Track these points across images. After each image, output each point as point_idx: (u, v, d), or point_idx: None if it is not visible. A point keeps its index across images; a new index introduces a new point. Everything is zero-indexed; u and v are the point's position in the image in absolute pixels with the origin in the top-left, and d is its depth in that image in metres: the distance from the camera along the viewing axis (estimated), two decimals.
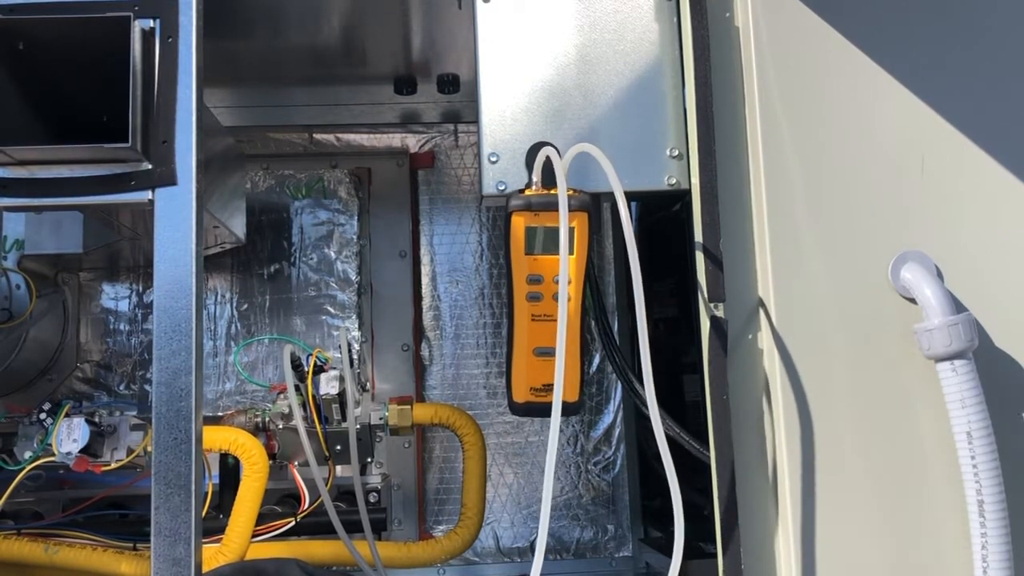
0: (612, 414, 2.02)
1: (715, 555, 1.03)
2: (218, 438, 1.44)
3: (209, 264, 1.91)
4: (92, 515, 1.58)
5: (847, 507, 1.02)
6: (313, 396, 1.51)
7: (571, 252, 1.09)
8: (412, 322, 2.01)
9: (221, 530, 1.40)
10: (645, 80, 1.18)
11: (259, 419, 1.56)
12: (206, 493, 1.48)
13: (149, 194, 1.04)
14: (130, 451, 1.47)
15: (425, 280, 2.04)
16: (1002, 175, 1.09)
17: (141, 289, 1.93)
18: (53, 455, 1.41)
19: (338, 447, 1.54)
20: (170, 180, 1.04)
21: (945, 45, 1.11)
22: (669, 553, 0.92)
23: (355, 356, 1.85)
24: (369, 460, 1.62)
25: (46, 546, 1.47)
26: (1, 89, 1.06)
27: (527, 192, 1.11)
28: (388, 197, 2.04)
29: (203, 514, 1.20)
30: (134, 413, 1.52)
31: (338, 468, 1.56)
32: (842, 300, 1.06)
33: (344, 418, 1.53)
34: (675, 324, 1.86)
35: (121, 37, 1.03)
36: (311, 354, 1.53)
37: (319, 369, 1.54)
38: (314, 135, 2.04)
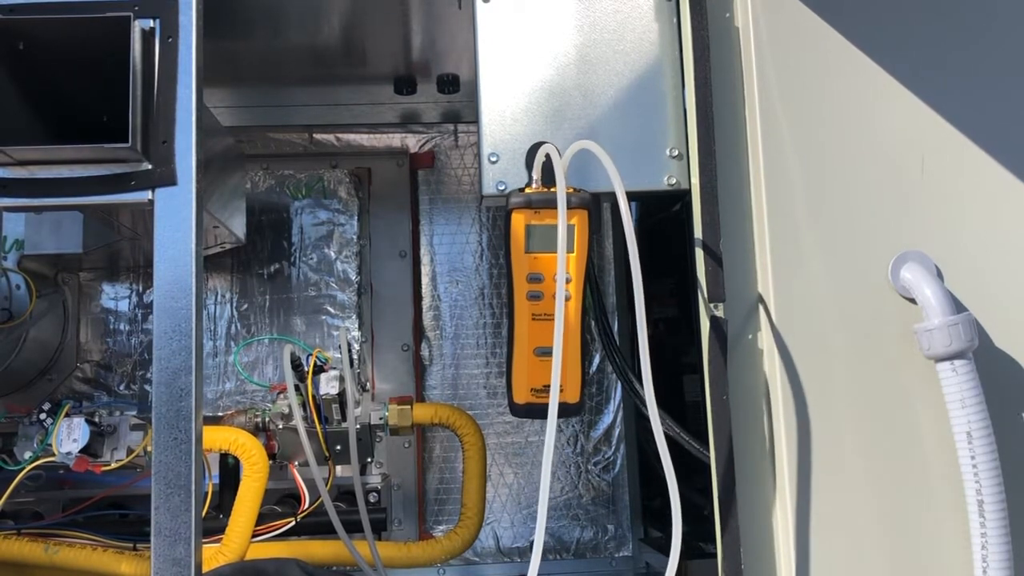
0: (612, 414, 2.02)
1: (715, 555, 1.03)
2: (218, 438, 1.44)
3: (209, 264, 1.91)
4: (92, 515, 1.58)
5: (847, 507, 1.02)
6: (313, 396, 1.51)
7: (571, 250, 1.09)
8: (412, 322, 2.01)
9: (221, 530, 1.40)
10: (645, 80, 1.18)
11: (259, 419, 1.56)
12: (206, 493, 1.48)
13: (149, 194, 1.04)
14: (130, 451, 1.47)
15: (425, 280, 2.04)
16: (1002, 175, 1.09)
17: (141, 289, 1.93)
18: (53, 455, 1.41)
19: (338, 447, 1.54)
20: (170, 180, 1.04)
21: (945, 45, 1.11)
22: (669, 553, 0.92)
23: (355, 356, 1.85)
24: (369, 460, 1.62)
25: (46, 546, 1.47)
26: (1, 89, 1.06)
27: (527, 190, 1.11)
28: (388, 197, 2.04)
29: (203, 514, 1.20)
30: (134, 413, 1.52)
31: (338, 468, 1.56)
32: (842, 300, 1.06)
33: (344, 418, 1.53)
34: (675, 324, 1.86)
35: (121, 37, 1.03)
36: (311, 354, 1.53)
37: (319, 369, 1.54)
38: (314, 135, 2.04)
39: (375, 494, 1.64)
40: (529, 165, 1.15)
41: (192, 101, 1.06)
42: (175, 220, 1.04)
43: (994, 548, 0.95)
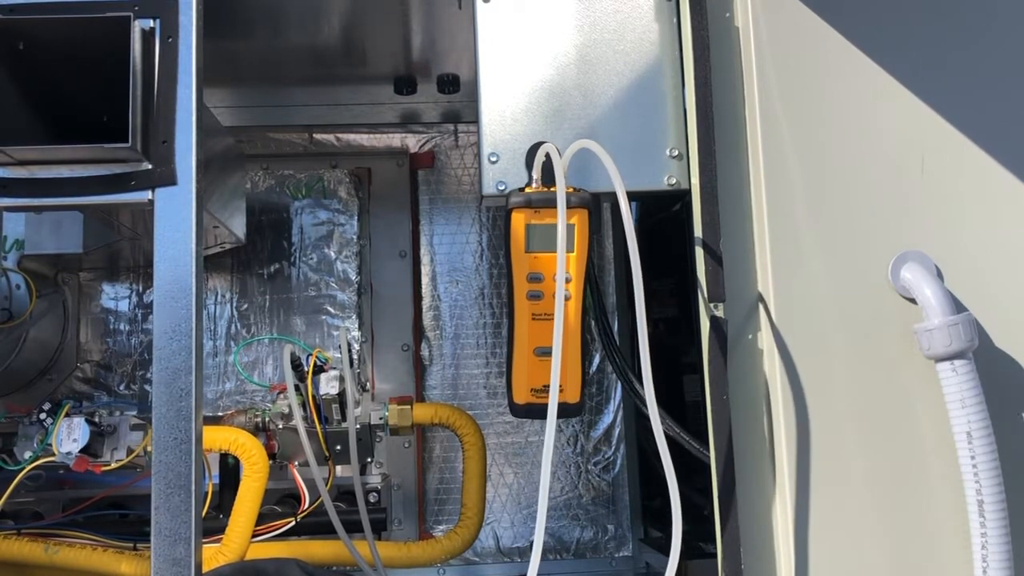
0: (612, 414, 2.02)
1: (715, 555, 1.03)
2: (218, 438, 1.44)
3: (209, 264, 1.91)
4: (92, 515, 1.58)
5: (847, 507, 1.02)
6: (313, 396, 1.51)
7: (571, 250, 1.09)
8: (412, 322, 2.01)
9: (221, 530, 1.40)
10: (645, 80, 1.18)
11: (259, 419, 1.56)
12: (206, 493, 1.48)
13: (149, 194, 1.04)
14: (130, 451, 1.47)
15: (425, 280, 2.04)
16: (1002, 175, 1.09)
17: (141, 289, 1.93)
18: (53, 455, 1.41)
19: (338, 447, 1.54)
20: (170, 180, 1.04)
21: (945, 45, 1.11)
22: (669, 553, 0.92)
23: (355, 356, 1.85)
24: (369, 460, 1.62)
25: (46, 546, 1.47)
26: (1, 89, 1.06)
27: (527, 190, 1.11)
28: (388, 197, 2.04)
29: (203, 514, 1.20)
30: (134, 413, 1.52)
31: (338, 468, 1.56)
32: (842, 300, 1.06)
33: (344, 418, 1.53)
34: (675, 324, 1.86)
35: (121, 37, 1.03)
36: (311, 354, 1.53)
37: (319, 369, 1.54)
38: (314, 135, 2.04)
39: (375, 494, 1.64)
40: (529, 165, 1.15)
41: (192, 101, 1.06)
42: (175, 220, 1.04)
43: (994, 548, 0.95)
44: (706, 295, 1.05)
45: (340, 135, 2.05)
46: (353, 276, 1.94)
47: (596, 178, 1.11)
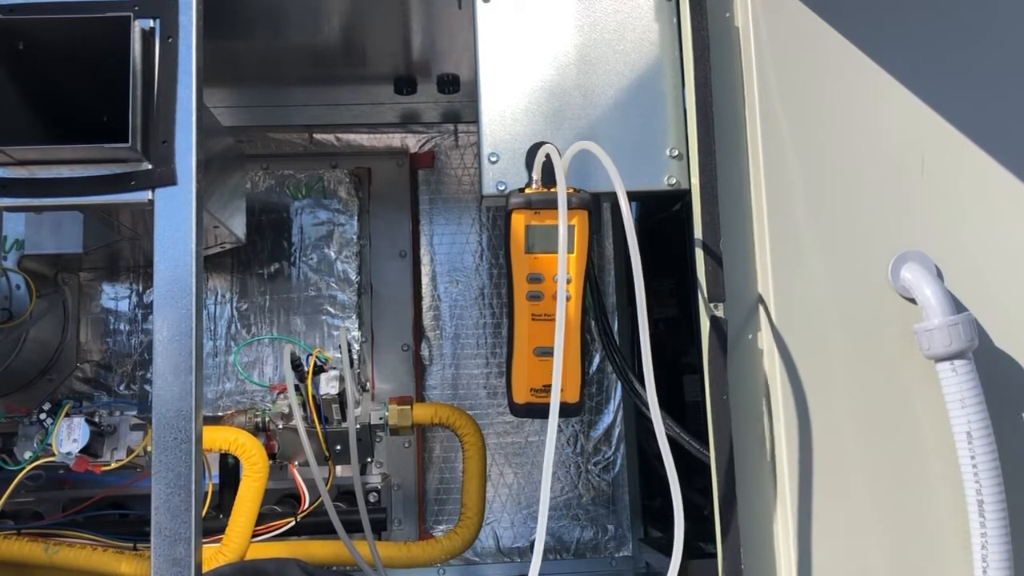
0: (612, 414, 2.02)
1: (715, 555, 1.03)
2: (218, 438, 1.44)
3: (209, 264, 1.91)
4: (92, 515, 1.57)
5: (847, 507, 1.02)
6: (313, 396, 1.51)
7: (572, 250, 1.09)
8: (412, 322, 2.01)
9: (221, 530, 1.40)
10: (645, 80, 1.18)
11: (259, 419, 1.56)
12: (206, 493, 1.48)
13: (149, 194, 1.04)
14: (130, 451, 1.47)
15: (425, 280, 2.04)
16: (1002, 175, 1.09)
17: (141, 289, 1.93)
18: (53, 455, 1.41)
19: (338, 447, 1.54)
20: (170, 180, 1.04)
21: (945, 45, 1.11)
22: (669, 553, 0.92)
23: (355, 356, 1.85)
24: (369, 460, 1.62)
25: (46, 546, 1.47)
26: (1, 89, 1.06)
27: (527, 191, 1.11)
28: (388, 197, 2.04)
29: (203, 514, 1.20)
30: (134, 413, 1.52)
31: (338, 468, 1.56)
32: (842, 300, 1.06)
33: (344, 418, 1.53)
34: (675, 324, 1.86)
35: (121, 37, 1.03)
36: (311, 354, 1.53)
37: (319, 369, 1.54)
38: (314, 135, 2.04)
39: (375, 494, 1.64)
40: (529, 165, 1.15)
41: (192, 101, 1.06)
42: (175, 220, 1.04)
43: (994, 548, 0.95)
44: (706, 295, 1.05)
45: (340, 135, 2.05)
46: (353, 276, 1.94)
47: (596, 178, 1.11)
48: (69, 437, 1.41)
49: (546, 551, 0.88)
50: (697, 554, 1.50)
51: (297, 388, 1.50)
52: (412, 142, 2.08)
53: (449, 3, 1.45)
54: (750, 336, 1.08)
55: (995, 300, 1.06)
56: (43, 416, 1.43)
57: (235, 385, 1.91)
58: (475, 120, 1.18)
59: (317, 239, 1.95)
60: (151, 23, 1.06)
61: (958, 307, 1.03)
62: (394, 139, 2.07)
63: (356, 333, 1.92)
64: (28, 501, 1.61)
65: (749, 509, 1.04)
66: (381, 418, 1.60)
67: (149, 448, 1.47)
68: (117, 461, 1.46)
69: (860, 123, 1.09)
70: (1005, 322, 1.06)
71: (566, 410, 1.10)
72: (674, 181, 1.16)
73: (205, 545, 1.32)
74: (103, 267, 1.92)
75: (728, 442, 1.02)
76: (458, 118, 2.04)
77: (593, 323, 1.48)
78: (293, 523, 1.53)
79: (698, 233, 1.07)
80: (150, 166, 1.05)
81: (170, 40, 1.06)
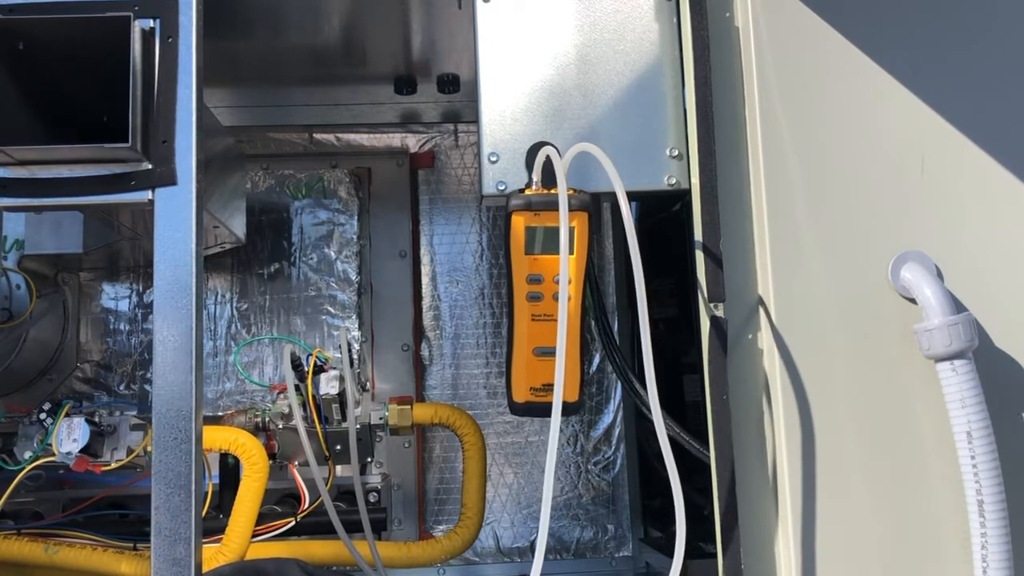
0: (612, 414, 2.02)
1: (715, 555, 1.03)
2: (218, 438, 1.44)
3: (209, 264, 1.91)
4: (92, 515, 1.57)
5: (847, 507, 1.02)
6: (313, 396, 1.51)
7: (571, 252, 1.09)
8: (412, 322, 2.01)
9: (221, 530, 1.40)
10: (645, 80, 1.18)
11: (259, 419, 1.56)
12: (206, 493, 1.48)
13: (149, 194, 1.04)
14: (130, 451, 1.47)
15: (425, 280, 2.04)
16: (1002, 175, 1.09)
17: (141, 289, 1.93)
18: (53, 455, 1.41)
19: (338, 447, 1.54)
20: (170, 180, 1.04)
21: (945, 45, 1.11)
22: (669, 553, 0.92)
23: (355, 356, 1.85)
24: (369, 460, 1.62)
25: (46, 546, 1.47)
26: (1, 89, 1.06)
27: (527, 192, 1.11)
28: (388, 197, 2.04)
29: (203, 514, 1.20)
30: (134, 413, 1.52)
31: (338, 468, 1.56)
32: (842, 300, 1.06)
33: (344, 418, 1.53)
34: (675, 324, 1.86)
35: (121, 37, 1.03)
36: (311, 354, 1.53)
37: (319, 369, 1.54)
38: (314, 135, 2.04)
39: (375, 494, 1.64)
40: (529, 165, 1.15)
41: (192, 101, 1.06)
42: (175, 220, 1.04)
43: (994, 548, 0.95)
44: (706, 295, 1.05)
45: (340, 135, 2.05)
46: (353, 276, 1.94)
47: (596, 178, 1.11)
48: (69, 437, 1.41)
49: (546, 551, 0.88)
50: (697, 554, 1.50)
51: (297, 388, 1.50)
52: (412, 142, 2.08)
53: (449, 3, 1.45)
54: (750, 336, 1.08)
55: (995, 300, 1.06)
56: (43, 416, 1.44)
57: (235, 385, 1.91)
58: (475, 120, 1.18)
59: (317, 239, 1.95)
60: (151, 23, 1.06)
61: (958, 307, 1.03)
62: (394, 139, 2.07)
63: (356, 333, 1.92)
64: (28, 501, 1.61)
65: (749, 509, 1.04)
66: (381, 418, 1.60)
67: (149, 448, 1.47)
68: (117, 461, 1.46)
69: (860, 123, 1.09)
70: (1005, 322, 1.06)
71: (566, 409, 1.09)
72: (674, 181, 1.16)
73: (205, 545, 1.32)
74: (103, 267, 1.92)
75: (728, 442, 1.02)
76: (458, 118, 2.04)
77: (593, 323, 1.48)
78: (293, 523, 1.53)
79: (698, 233, 1.07)
80: (150, 166, 1.05)
81: (170, 40, 1.06)
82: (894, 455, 1.03)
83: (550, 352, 1.09)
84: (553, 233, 1.09)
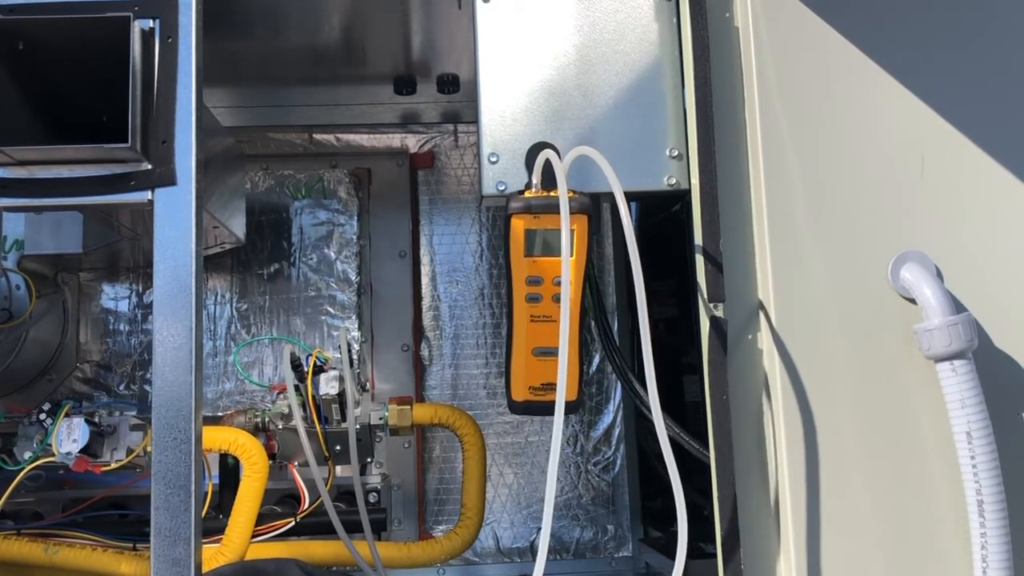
0: (612, 414, 2.02)
1: (715, 555, 1.03)
2: (218, 438, 1.44)
3: (209, 264, 1.91)
4: (92, 515, 1.57)
5: (847, 507, 1.02)
6: (313, 396, 1.51)
7: (571, 254, 1.09)
8: (412, 322, 2.01)
9: (221, 530, 1.40)
10: (645, 80, 1.18)
11: (259, 419, 1.56)
12: (206, 493, 1.48)
13: (149, 194, 1.04)
14: (130, 451, 1.47)
15: (425, 280, 2.04)
16: (1002, 175, 1.09)
17: (141, 289, 1.93)
18: (53, 455, 1.41)
19: (338, 447, 1.54)
20: (170, 180, 1.04)
21: (945, 45, 1.11)
22: (669, 553, 0.92)
23: (355, 356, 1.85)
24: (369, 460, 1.61)
25: (46, 546, 1.47)
26: (1, 89, 1.06)
27: (527, 194, 1.11)
28: (388, 197, 2.04)
29: (203, 514, 1.20)
30: (134, 413, 1.52)
31: (338, 468, 1.56)
32: (842, 300, 1.06)
33: (344, 418, 1.53)
34: (675, 324, 1.86)
35: (121, 37, 1.03)
36: (311, 354, 1.53)
37: (319, 369, 1.54)
38: (314, 135, 2.04)
39: (375, 494, 1.64)
40: (529, 166, 1.15)
41: (192, 101, 1.06)
42: (175, 220, 1.04)
43: (994, 548, 0.95)
44: (706, 295, 1.05)
45: (340, 135, 2.05)
46: (353, 276, 1.94)
47: (596, 179, 1.11)
48: (69, 437, 1.41)
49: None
50: (697, 554, 1.50)
51: (297, 388, 1.50)
52: (412, 142, 2.08)
53: (449, 3, 1.45)
54: (750, 336, 1.08)
55: (995, 300, 1.06)
56: (43, 416, 1.43)
57: (235, 385, 1.91)
58: (475, 120, 1.18)
59: (317, 239, 1.95)
60: (151, 23, 1.06)
61: (958, 307, 1.03)
62: (394, 139, 2.07)
63: (356, 333, 1.92)
64: (28, 501, 1.61)
65: (749, 509, 1.04)
66: (381, 418, 1.60)
67: (149, 448, 1.47)
68: (117, 461, 1.46)
69: (860, 123, 1.09)
70: (1005, 322, 1.06)
71: (566, 407, 1.10)
72: (674, 181, 1.16)
73: (205, 545, 1.32)
74: (103, 267, 1.92)
75: (728, 442, 1.02)
76: (458, 118, 2.04)
77: (593, 323, 1.48)
78: (293, 523, 1.53)
79: (698, 233, 1.07)
80: (150, 166, 1.05)
81: (170, 40, 1.06)
82: (894, 455, 1.03)
83: (549, 352, 1.10)
84: (552, 236, 1.09)
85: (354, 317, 1.93)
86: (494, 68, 1.18)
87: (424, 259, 2.05)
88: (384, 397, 1.83)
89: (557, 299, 1.10)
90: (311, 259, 1.95)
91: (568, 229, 1.00)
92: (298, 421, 1.47)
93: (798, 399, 1.04)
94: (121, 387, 1.90)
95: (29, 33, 1.06)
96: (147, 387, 1.89)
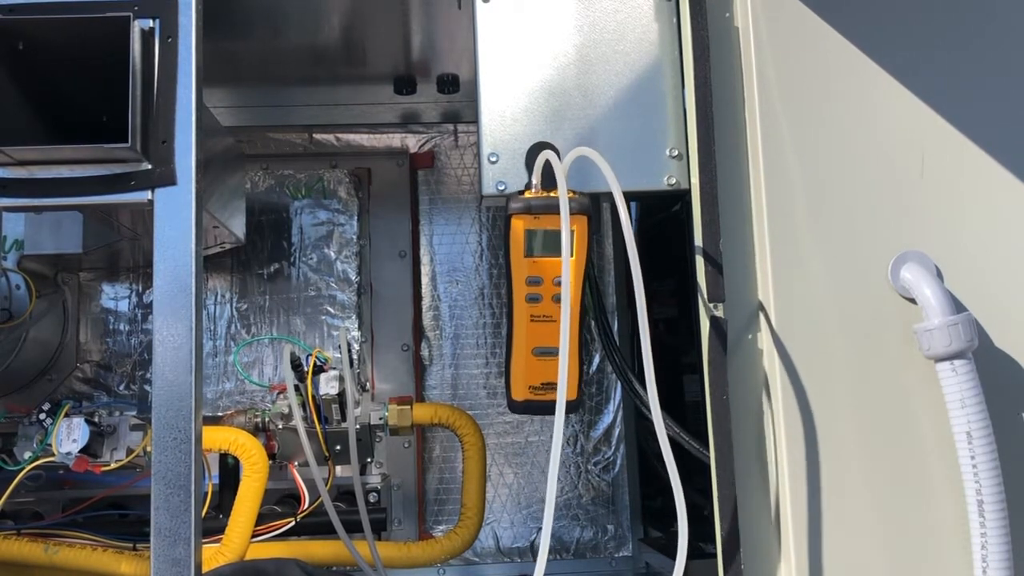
0: (612, 414, 2.02)
1: (715, 555, 1.03)
2: (218, 438, 1.44)
3: (209, 264, 1.91)
4: (92, 515, 1.57)
5: (847, 507, 1.02)
6: (313, 396, 1.51)
7: (571, 254, 1.09)
8: (412, 322, 2.01)
9: (221, 530, 1.40)
10: (645, 80, 1.18)
11: (259, 419, 1.56)
12: (206, 493, 1.48)
13: (149, 194, 1.04)
14: (130, 451, 1.47)
15: (425, 280, 2.04)
16: (1002, 175, 1.09)
17: (141, 289, 1.93)
18: (53, 455, 1.41)
19: (338, 447, 1.54)
20: (170, 180, 1.04)
21: (945, 45, 1.11)
22: (669, 553, 0.92)
23: (355, 356, 1.85)
24: (369, 460, 1.61)
25: (46, 546, 1.47)
26: (1, 89, 1.06)
27: (527, 194, 1.11)
28: (388, 197, 2.04)
29: (203, 514, 1.20)
30: (134, 413, 1.52)
31: (338, 468, 1.56)
32: (842, 300, 1.06)
33: (344, 418, 1.53)
34: (675, 324, 1.86)
35: (121, 37, 1.03)
36: (311, 354, 1.53)
37: (319, 369, 1.54)
38: (314, 135, 2.04)
39: (375, 494, 1.64)
40: (529, 166, 1.15)
41: (192, 101, 1.06)
42: (175, 220, 1.04)
43: (994, 548, 0.95)
44: (706, 295, 1.05)
45: (340, 135, 2.05)
46: (353, 276, 1.94)
47: (596, 179, 1.11)
48: (69, 437, 1.41)
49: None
50: (697, 554, 1.50)
51: (297, 388, 1.50)
52: (412, 142, 2.08)
53: (449, 3, 1.45)
54: (750, 336, 1.08)
55: (995, 300, 1.06)
56: (43, 416, 1.43)
57: (235, 385, 1.91)
58: (475, 120, 1.18)
59: (317, 239, 1.95)
60: (151, 23, 1.06)
61: (958, 307, 1.03)
62: (394, 139, 2.07)
63: (356, 333, 1.92)
64: (28, 501, 1.61)
65: (749, 509, 1.04)
66: (381, 418, 1.60)
67: (149, 448, 1.47)
68: (117, 461, 1.46)
69: (860, 123, 1.09)
70: (1005, 322, 1.06)
71: (566, 407, 1.10)
72: (674, 181, 1.16)
73: (205, 545, 1.32)
74: (103, 267, 1.92)
75: (728, 442, 1.02)
76: (458, 118, 2.04)
77: (593, 323, 1.48)
78: (293, 523, 1.53)
79: (698, 233, 1.08)
80: (150, 166, 1.05)
81: (170, 40, 1.06)
82: (894, 455, 1.03)
83: (549, 352, 1.10)
84: (552, 236, 1.09)
85: (354, 317, 1.93)
86: (494, 68, 1.18)
87: (424, 259, 2.05)
88: (384, 397, 1.83)
89: (557, 299, 1.10)
90: (311, 259, 1.95)
91: (568, 229, 1.00)
92: (298, 421, 1.47)
93: (798, 399, 1.04)
94: (121, 387, 1.90)
95: (29, 33, 1.06)
96: (147, 387, 1.89)
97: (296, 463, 1.56)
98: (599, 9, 1.20)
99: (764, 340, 1.07)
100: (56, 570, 1.48)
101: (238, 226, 1.73)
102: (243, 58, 1.68)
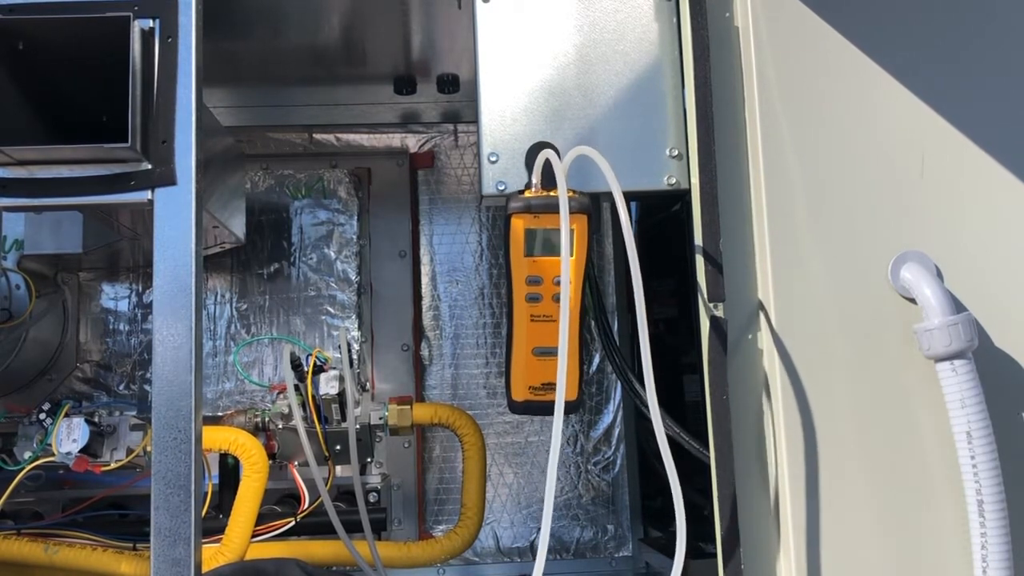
0: (612, 414, 2.02)
1: (715, 555, 1.03)
2: (218, 438, 1.44)
3: (209, 264, 1.91)
4: (92, 515, 1.57)
5: (847, 507, 1.02)
6: (313, 396, 1.51)
7: (571, 254, 1.09)
8: (412, 322, 2.01)
9: (221, 530, 1.40)
10: (645, 80, 1.18)
11: (259, 419, 1.56)
12: (206, 493, 1.48)
13: (149, 194, 1.04)
14: (130, 451, 1.47)
15: (425, 280, 2.04)
16: (1002, 175, 1.09)
17: (141, 289, 1.93)
18: (53, 455, 1.41)
19: (338, 447, 1.54)
20: (170, 180, 1.04)
21: (945, 45, 1.11)
22: (669, 553, 0.92)
23: (355, 356, 1.85)
24: (369, 460, 1.61)
25: (46, 546, 1.47)
26: (1, 89, 1.06)
27: (527, 194, 1.11)
28: (388, 197, 2.04)
29: (203, 514, 1.20)
30: (134, 413, 1.52)
31: (338, 468, 1.56)
32: (842, 300, 1.06)
33: (344, 418, 1.53)
34: (675, 324, 1.86)
35: (121, 37, 1.03)
36: (311, 354, 1.53)
37: (319, 369, 1.54)
38: (314, 135, 2.04)
39: (375, 494, 1.64)
40: (529, 166, 1.15)
41: (192, 101, 1.06)
42: (175, 220, 1.04)
43: (994, 548, 0.95)
44: (706, 295, 1.05)
45: (340, 135, 2.05)
46: (353, 276, 1.94)
47: (596, 179, 1.11)
48: (69, 437, 1.41)
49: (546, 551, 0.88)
50: (697, 554, 1.50)
51: (297, 388, 1.50)
52: (412, 142, 2.08)
53: (449, 3, 1.45)
54: (750, 336, 1.08)
55: (995, 300, 1.06)
56: (43, 416, 1.43)
57: (235, 385, 1.91)
58: (475, 120, 1.18)
59: (317, 239, 1.95)
60: (151, 23, 1.06)
61: (958, 307, 1.03)
62: (394, 139, 2.07)
63: (356, 333, 1.92)
64: (28, 501, 1.61)
65: (749, 509, 1.04)
66: (381, 418, 1.60)
67: (149, 448, 1.47)
68: (117, 461, 1.46)
69: (860, 123, 1.09)
70: (1005, 322, 1.06)
71: (566, 407, 1.10)
72: (674, 181, 1.16)
73: (205, 545, 1.32)
74: (103, 267, 1.92)
75: (728, 442, 1.02)
76: (458, 118, 2.04)
77: (593, 323, 1.48)
78: (293, 523, 1.53)
79: (698, 233, 1.07)
80: (150, 166, 1.05)
81: (170, 40, 1.06)
82: (894, 455, 1.03)
83: (549, 352, 1.10)
84: (552, 235, 1.09)
85: (354, 317, 1.93)
86: (494, 68, 1.18)
87: (424, 259, 2.05)
88: (384, 397, 1.83)
89: (557, 299, 1.10)
90: (311, 259, 1.95)
91: (568, 229, 1.00)
92: (298, 421, 1.47)
93: (798, 399, 1.04)
94: (121, 387, 1.90)
95: (29, 33, 1.06)
96: (147, 387, 1.89)
97: (296, 463, 1.56)
98: (599, 9, 1.20)
99: (764, 340, 1.07)
100: (56, 570, 1.48)
101: (238, 226, 1.73)
102: (243, 58, 1.68)
